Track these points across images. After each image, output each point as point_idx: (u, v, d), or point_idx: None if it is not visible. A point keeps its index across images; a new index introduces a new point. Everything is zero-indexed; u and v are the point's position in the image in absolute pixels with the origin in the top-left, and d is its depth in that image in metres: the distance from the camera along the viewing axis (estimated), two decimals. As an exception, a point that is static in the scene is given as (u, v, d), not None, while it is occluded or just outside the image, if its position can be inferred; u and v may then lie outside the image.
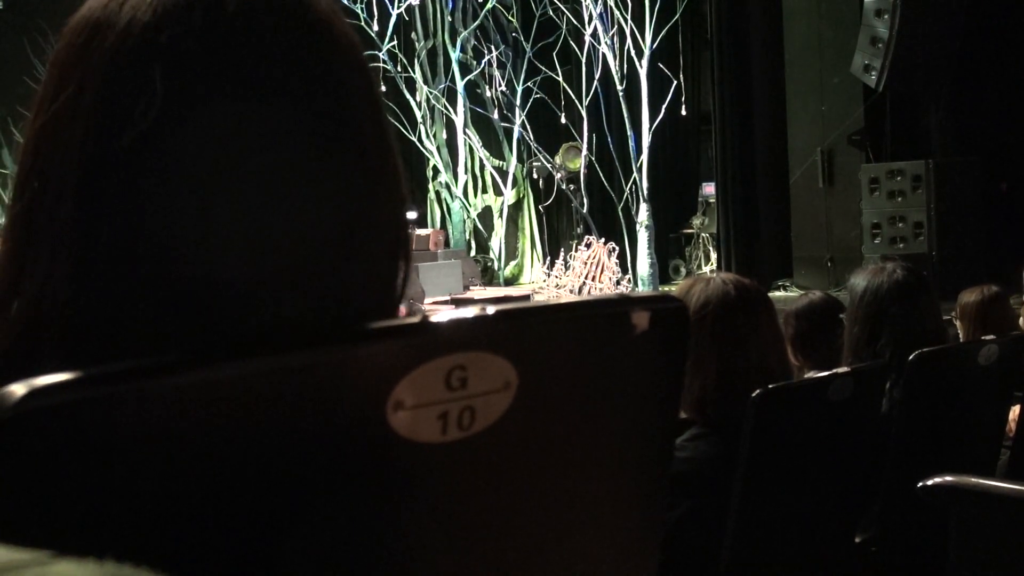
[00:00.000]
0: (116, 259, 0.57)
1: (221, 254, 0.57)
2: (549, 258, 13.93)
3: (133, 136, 0.57)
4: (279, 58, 0.61)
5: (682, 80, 12.78)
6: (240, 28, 0.60)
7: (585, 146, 13.43)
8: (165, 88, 0.58)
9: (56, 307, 0.57)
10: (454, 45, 14.53)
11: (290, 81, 0.61)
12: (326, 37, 0.64)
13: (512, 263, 15.04)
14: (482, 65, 14.41)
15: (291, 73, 0.61)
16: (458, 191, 14.93)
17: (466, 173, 15.02)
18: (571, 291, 12.10)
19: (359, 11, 13.74)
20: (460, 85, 14.45)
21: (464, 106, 14.59)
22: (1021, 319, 4.16)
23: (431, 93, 14.63)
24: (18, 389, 0.43)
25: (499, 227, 14.92)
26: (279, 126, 0.60)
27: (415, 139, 14.71)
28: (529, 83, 13.92)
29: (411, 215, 12.87)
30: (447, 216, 15.28)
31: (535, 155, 14.18)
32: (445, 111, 14.73)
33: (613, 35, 12.45)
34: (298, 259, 0.60)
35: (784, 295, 10.48)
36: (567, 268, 12.61)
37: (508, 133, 14.54)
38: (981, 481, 2.31)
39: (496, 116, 14.50)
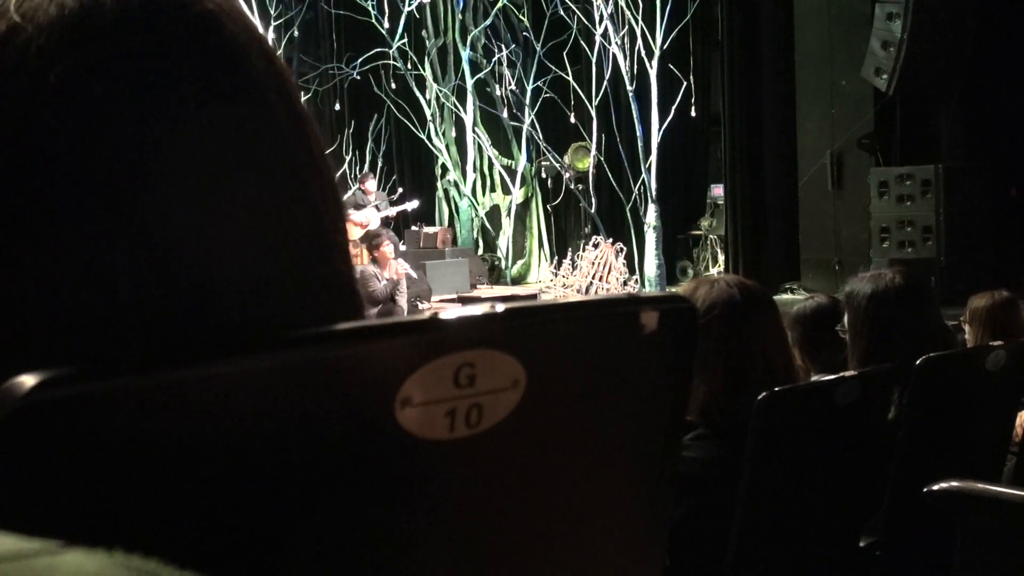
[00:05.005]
0: (56, 288, 0.56)
1: (204, 256, 0.57)
2: (556, 258, 13.93)
3: (37, 172, 0.56)
4: (166, 61, 0.58)
5: (692, 81, 12.78)
6: (121, 40, 0.57)
7: (594, 146, 13.43)
8: (60, 126, 0.56)
9: (30, 313, 0.57)
10: (464, 43, 14.54)
11: (184, 84, 0.58)
12: (215, 30, 0.60)
13: (519, 262, 15.04)
14: (492, 64, 14.41)
15: (183, 76, 0.58)
16: (466, 189, 14.94)
17: (475, 172, 15.03)
18: (578, 291, 12.10)
19: (370, 8, 13.76)
20: (470, 83, 14.45)
21: (473, 104, 14.59)
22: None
23: (441, 91, 14.63)
24: (28, 380, 0.43)
25: (507, 226, 14.92)
26: (178, 134, 0.57)
27: (424, 137, 14.72)
28: (539, 82, 13.92)
29: (413, 205, 12.94)
30: (455, 214, 15.29)
31: (544, 154, 14.18)
32: (455, 109, 14.74)
33: (623, 35, 12.44)
34: (280, 261, 0.60)
35: (791, 298, 10.47)
36: (574, 268, 12.61)
37: (517, 132, 14.54)
38: (987, 487, 2.31)
39: (505, 115, 14.50)
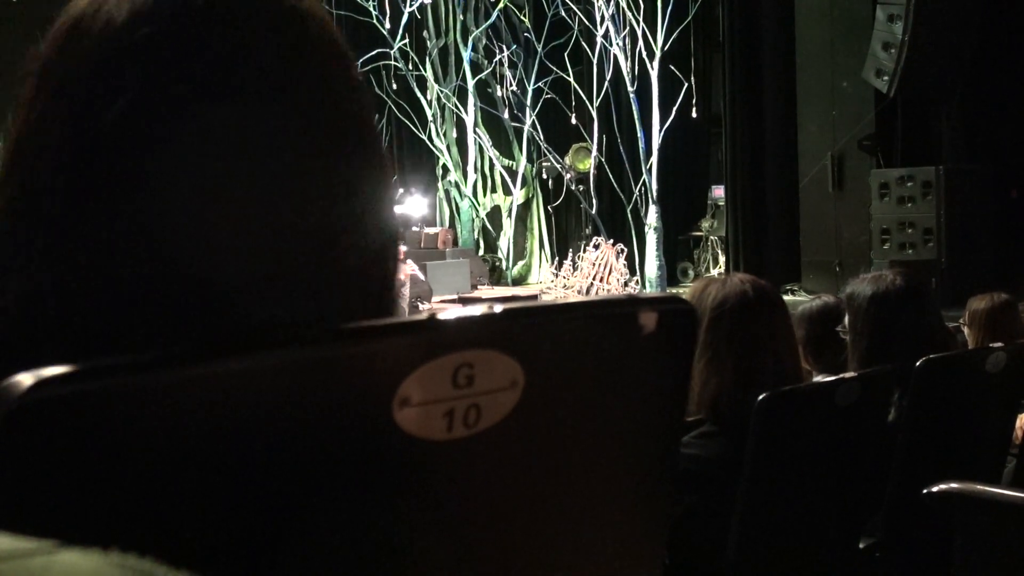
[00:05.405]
0: (101, 260, 0.57)
1: (206, 253, 0.57)
2: (557, 258, 13.93)
3: (111, 139, 0.57)
4: (251, 52, 0.59)
5: (693, 82, 12.76)
6: (209, 23, 0.58)
7: (595, 147, 13.42)
8: (140, 90, 0.57)
9: (44, 307, 0.57)
10: (466, 44, 14.53)
11: (265, 76, 0.59)
12: (299, 27, 0.62)
13: (520, 263, 15.03)
14: (493, 64, 14.41)
15: (265, 67, 0.59)
16: (467, 190, 14.94)
17: (476, 172, 15.02)
18: (579, 292, 12.10)
19: (371, 8, 13.75)
20: (471, 84, 14.45)
21: (475, 105, 14.58)
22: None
23: (442, 92, 14.63)
24: (25, 379, 0.43)
25: (508, 227, 14.92)
26: (255, 123, 0.58)
27: (425, 137, 14.72)
28: (540, 83, 13.91)
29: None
30: (456, 215, 15.28)
31: (545, 155, 14.17)
32: (456, 110, 14.74)
33: (625, 36, 12.43)
34: (282, 259, 0.60)
35: (792, 299, 10.45)
36: (575, 269, 12.61)
37: (518, 133, 14.54)
38: (987, 488, 2.30)
39: (506, 116, 14.49)
